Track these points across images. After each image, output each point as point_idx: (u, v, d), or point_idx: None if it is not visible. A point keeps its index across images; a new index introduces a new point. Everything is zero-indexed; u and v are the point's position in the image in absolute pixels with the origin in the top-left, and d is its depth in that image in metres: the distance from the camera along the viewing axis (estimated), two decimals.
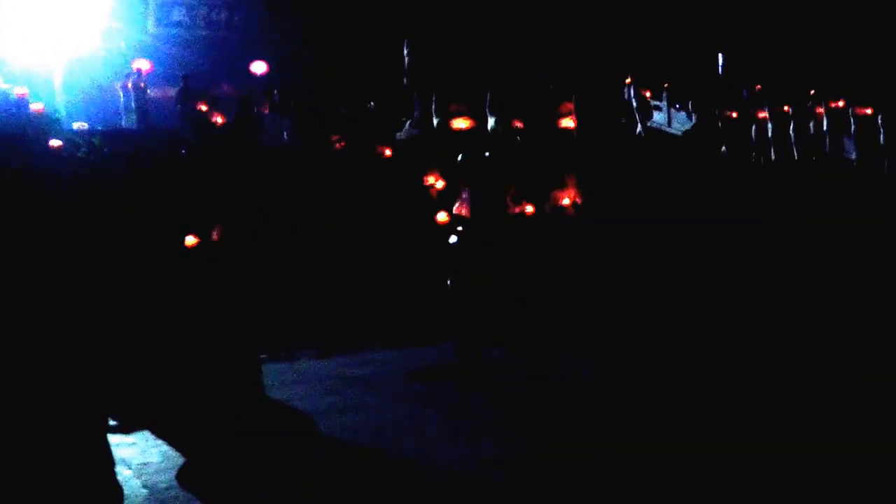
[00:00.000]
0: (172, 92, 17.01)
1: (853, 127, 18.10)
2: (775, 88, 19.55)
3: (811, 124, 18.45)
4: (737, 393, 7.36)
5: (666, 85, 19.21)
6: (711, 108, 18.41)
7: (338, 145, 14.25)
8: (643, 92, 18.63)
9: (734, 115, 18.41)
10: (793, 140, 18.02)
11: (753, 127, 18.28)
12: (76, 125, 16.49)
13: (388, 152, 14.51)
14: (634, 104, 18.49)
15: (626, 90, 18.81)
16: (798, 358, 8.41)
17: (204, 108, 15.74)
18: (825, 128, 18.42)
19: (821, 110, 18.62)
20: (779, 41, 21.81)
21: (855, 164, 17.55)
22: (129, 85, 16.55)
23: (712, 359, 8.67)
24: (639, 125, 18.32)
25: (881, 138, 17.39)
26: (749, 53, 21.59)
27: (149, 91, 16.76)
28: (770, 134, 18.09)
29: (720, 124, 18.22)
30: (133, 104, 16.49)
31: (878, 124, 17.60)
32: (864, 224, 13.17)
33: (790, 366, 8.18)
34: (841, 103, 19.07)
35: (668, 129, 18.87)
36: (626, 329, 9.95)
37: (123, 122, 16.48)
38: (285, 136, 15.84)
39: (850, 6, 21.91)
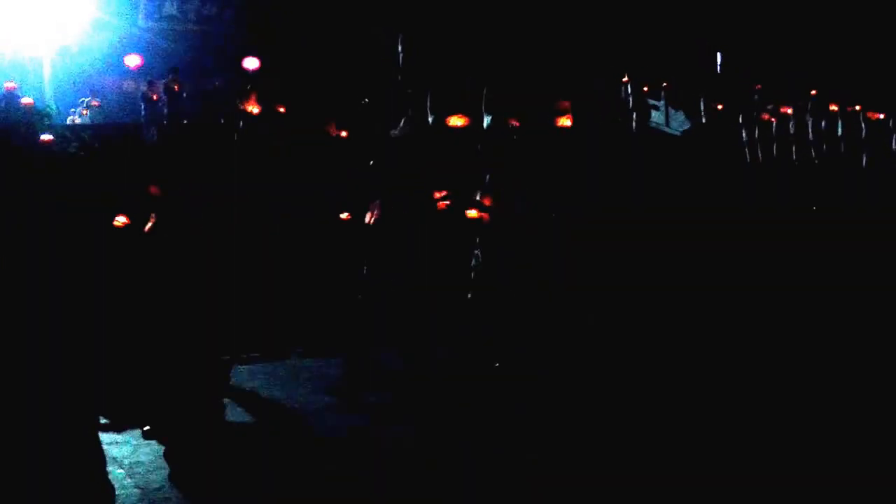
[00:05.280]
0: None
1: (864, 130, 18.12)
2: (775, 88, 19.52)
3: (811, 125, 18.46)
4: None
5: (664, 84, 19.11)
6: (709, 108, 18.34)
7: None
8: (641, 90, 18.42)
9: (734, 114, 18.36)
10: (793, 140, 18.01)
11: (756, 127, 18.24)
12: (93, 102, 16.26)
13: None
14: (631, 103, 18.33)
15: (623, 89, 18.69)
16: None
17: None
18: (823, 128, 18.45)
19: (834, 108, 18.59)
20: (779, 40, 21.75)
21: (864, 166, 17.56)
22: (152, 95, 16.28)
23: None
24: (633, 123, 18.15)
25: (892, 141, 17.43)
26: (748, 52, 21.54)
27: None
28: (774, 133, 18.08)
29: (716, 123, 18.17)
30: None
31: (889, 127, 17.64)
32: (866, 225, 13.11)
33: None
34: (834, 106, 19.11)
35: (666, 129, 18.78)
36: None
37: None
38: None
39: (852, 5, 21.87)
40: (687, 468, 5.59)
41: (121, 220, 9.06)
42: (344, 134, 14.53)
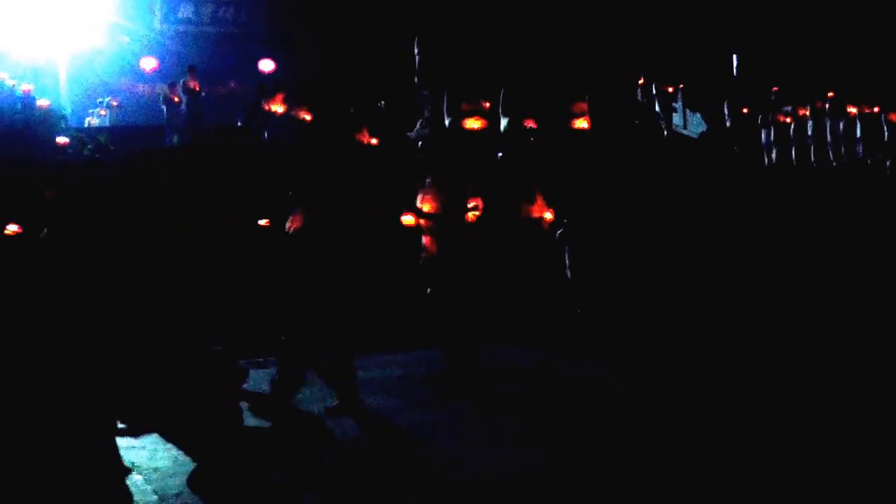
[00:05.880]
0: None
1: (885, 132, 18.00)
2: (792, 90, 19.39)
3: (829, 127, 18.34)
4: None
5: (681, 86, 19.00)
6: (731, 110, 18.24)
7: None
8: (665, 88, 18.20)
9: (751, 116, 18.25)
10: (811, 143, 17.92)
11: (771, 129, 18.15)
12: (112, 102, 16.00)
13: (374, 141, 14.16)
14: (657, 104, 18.13)
15: (639, 90, 18.56)
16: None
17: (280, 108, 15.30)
18: (841, 131, 18.33)
19: (852, 110, 18.44)
20: (796, 41, 21.62)
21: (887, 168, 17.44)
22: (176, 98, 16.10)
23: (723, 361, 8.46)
24: (663, 124, 17.96)
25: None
26: (765, 54, 21.42)
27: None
28: (791, 135, 17.99)
29: (734, 126, 18.08)
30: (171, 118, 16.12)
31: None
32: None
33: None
34: (853, 108, 18.98)
35: (683, 132, 18.66)
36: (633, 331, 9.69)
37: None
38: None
39: (870, 5, 21.71)
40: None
41: (12, 229, 8.86)
42: (375, 141, 14.29)
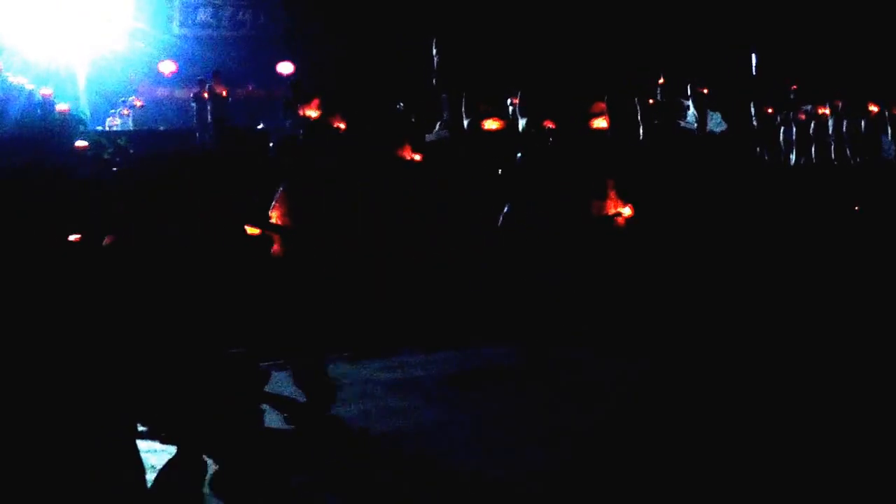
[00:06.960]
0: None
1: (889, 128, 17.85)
2: (812, 88, 19.27)
3: (848, 125, 18.20)
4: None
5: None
6: (745, 109, 18.10)
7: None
8: (700, 91, 17.93)
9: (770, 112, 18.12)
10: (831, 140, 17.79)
11: (793, 127, 18.01)
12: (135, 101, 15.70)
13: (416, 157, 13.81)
14: (690, 105, 17.90)
15: (658, 90, 18.44)
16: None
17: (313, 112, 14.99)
18: (863, 129, 18.17)
19: (873, 109, 18.27)
20: (816, 40, 21.48)
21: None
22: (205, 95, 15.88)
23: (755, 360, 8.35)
24: (683, 123, 17.78)
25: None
26: (784, 52, 21.29)
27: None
28: (812, 133, 17.85)
29: (755, 124, 17.95)
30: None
31: None
32: None
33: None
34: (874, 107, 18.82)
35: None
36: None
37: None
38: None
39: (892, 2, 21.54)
40: None
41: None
42: (418, 157, 13.85)
